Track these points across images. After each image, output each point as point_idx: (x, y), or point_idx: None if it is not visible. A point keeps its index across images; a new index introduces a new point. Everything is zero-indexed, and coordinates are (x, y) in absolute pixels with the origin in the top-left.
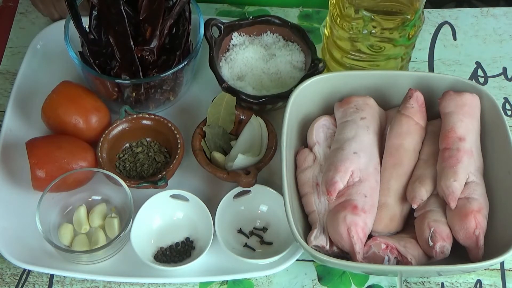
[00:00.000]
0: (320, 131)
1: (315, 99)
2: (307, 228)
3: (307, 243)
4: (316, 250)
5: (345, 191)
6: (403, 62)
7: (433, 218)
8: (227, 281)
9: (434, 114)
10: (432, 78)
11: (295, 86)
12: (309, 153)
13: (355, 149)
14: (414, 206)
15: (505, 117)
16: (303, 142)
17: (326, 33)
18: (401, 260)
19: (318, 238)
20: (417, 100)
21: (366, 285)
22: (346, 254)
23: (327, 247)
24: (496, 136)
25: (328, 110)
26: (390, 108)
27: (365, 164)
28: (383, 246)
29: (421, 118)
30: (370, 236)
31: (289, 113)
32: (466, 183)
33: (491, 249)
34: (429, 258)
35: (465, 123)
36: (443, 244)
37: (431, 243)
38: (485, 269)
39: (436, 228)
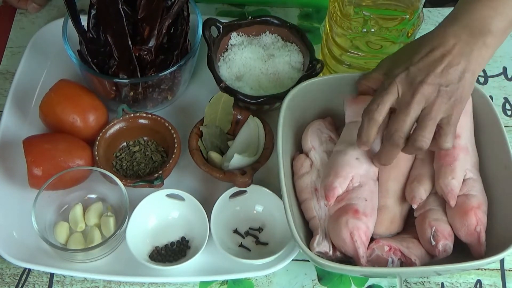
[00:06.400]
0: (314, 136)
1: (307, 103)
2: (308, 234)
3: (310, 250)
4: (319, 256)
5: (345, 195)
6: None
7: (434, 217)
8: (227, 280)
9: None
10: None
11: (292, 88)
12: (305, 159)
13: (357, 154)
14: (414, 206)
15: (500, 114)
16: (298, 147)
17: (326, 30)
18: (405, 261)
19: (321, 244)
20: None
21: (366, 285)
22: (349, 259)
23: (330, 252)
24: (490, 131)
25: (320, 113)
26: None
27: (366, 169)
28: (386, 248)
29: None
30: (371, 239)
31: (283, 120)
32: (464, 180)
33: (491, 246)
34: (432, 257)
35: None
36: (445, 243)
37: (433, 242)
38: (485, 269)
39: (438, 227)
